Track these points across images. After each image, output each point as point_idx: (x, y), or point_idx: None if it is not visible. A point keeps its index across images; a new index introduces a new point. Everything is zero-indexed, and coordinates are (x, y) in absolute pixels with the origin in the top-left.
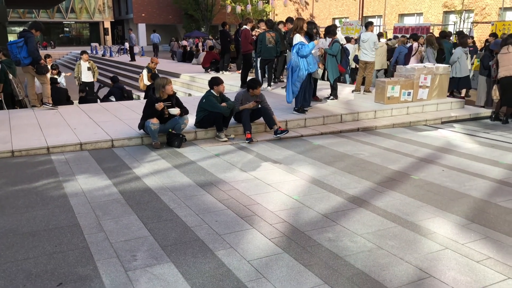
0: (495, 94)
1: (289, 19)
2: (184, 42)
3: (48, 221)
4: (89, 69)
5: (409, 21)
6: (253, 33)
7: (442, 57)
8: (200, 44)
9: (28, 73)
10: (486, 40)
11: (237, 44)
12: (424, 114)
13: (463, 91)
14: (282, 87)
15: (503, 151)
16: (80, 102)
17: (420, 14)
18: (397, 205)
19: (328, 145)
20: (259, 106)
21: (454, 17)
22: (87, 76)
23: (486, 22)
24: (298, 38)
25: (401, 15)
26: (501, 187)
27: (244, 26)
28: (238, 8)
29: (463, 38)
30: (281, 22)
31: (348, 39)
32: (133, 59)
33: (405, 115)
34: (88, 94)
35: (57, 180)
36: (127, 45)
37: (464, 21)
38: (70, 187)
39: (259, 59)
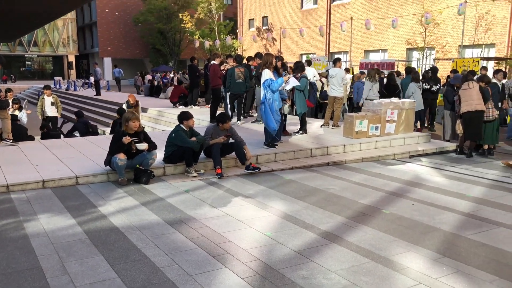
0: (459, 128)
1: (258, 55)
2: (148, 77)
3: (7, 264)
4: (52, 103)
5: (374, 57)
6: (222, 67)
7: (396, 92)
8: (171, 76)
9: None
10: (448, 76)
11: (206, 79)
12: (392, 148)
13: (418, 123)
14: (251, 122)
15: (469, 184)
16: (42, 138)
17: (385, 50)
18: (369, 240)
19: (299, 179)
20: (230, 140)
21: (417, 54)
22: (50, 111)
23: (447, 59)
24: (267, 74)
25: (367, 51)
26: (469, 220)
27: (213, 61)
28: (207, 43)
29: (415, 74)
30: (250, 57)
31: (325, 75)
32: (98, 93)
33: (373, 149)
34: (51, 130)
35: (17, 220)
36: (92, 79)
37: (426, 57)
38: (32, 227)
39: (228, 94)
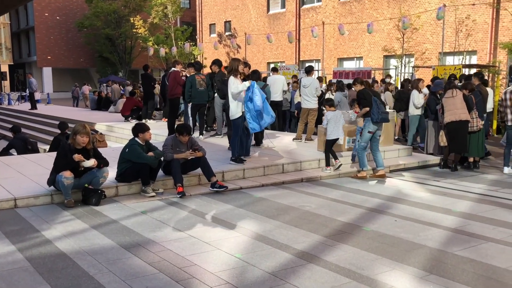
0: (442, 140)
1: (217, 62)
2: (86, 89)
3: None
4: None
5: (349, 65)
6: (183, 73)
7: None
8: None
9: None
10: (429, 86)
11: (164, 90)
12: (371, 162)
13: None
14: (214, 135)
15: (455, 199)
16: None
17: (360, 58)
18: (349, 259)
19: (271, 197)
20: (199, 155)
21: (395, 61)
22: None
23: (427, 67)
24: (233, 81)
25: (340, 59)
26: (456, 236)
27: (173, 68)
28: (162, 51)
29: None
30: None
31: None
32: (34, 107)
33: (351, 164)
34: None
35: None
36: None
37: (405, 65)
38: None
39: (189, 105)
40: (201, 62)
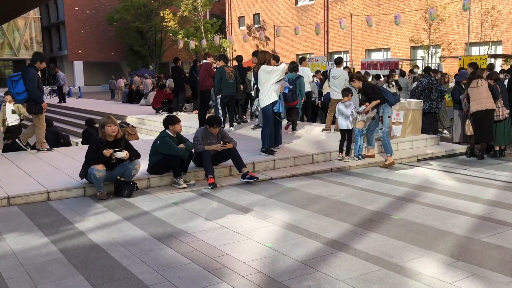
0: (469, 129)
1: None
2: (121, 82)
3: None
4: (13, 112)
5: (376, 56)
6: (214, 65)
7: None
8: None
9: None
10: (456, 75)
11: (193, 82)
12: (399, 152)
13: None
14: (252, 128)
15: (482, 186)
16: (4, 151)
17: (388, 49)
18: (379, 247)
19: (301, 187)
20: (229, 147)
21: (422, 52)
22: (12, 121)
23: (453, 57)
24: (267, 69)
25: (368, 50)
26: (483, 223)
27: (204, 60)
28: (192, 44)
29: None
30: (240, 56)
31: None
32: (62, 100)
33: (379, 153)
34: (14, 142)
35: None
36: None
37: (431, 56)
38: None
39: (219, 97)
40: (231, 54)
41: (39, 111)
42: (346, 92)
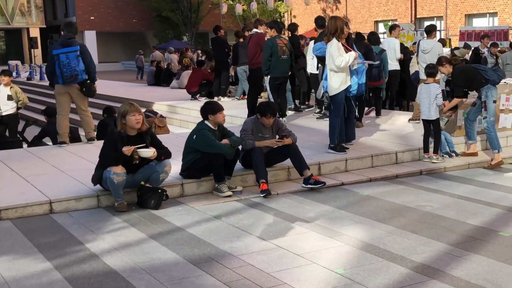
0: None
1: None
2: (157, 54)
3: None
4: (10, 98)
5: (479, 24)
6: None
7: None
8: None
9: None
10: None
11: (237, 60)
12: (510, 148)
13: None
14: (317, 118)
15: None
16: None
17: (494, 14)
18: (483, 273)
19: (381, 195)
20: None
21: None
22: (7, 109)
23: None
24: (336, 48)
25: (468, 16)
26: None
27: (255, 30)
28: (239, 8)
29: None
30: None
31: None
32: None
33: (483, 151)
34: (8, 136)
35: None
36: None
37: None
38: None
39: (267, 79)
40: (288, 21)
41: (94, 93)
42: (430, 70)
